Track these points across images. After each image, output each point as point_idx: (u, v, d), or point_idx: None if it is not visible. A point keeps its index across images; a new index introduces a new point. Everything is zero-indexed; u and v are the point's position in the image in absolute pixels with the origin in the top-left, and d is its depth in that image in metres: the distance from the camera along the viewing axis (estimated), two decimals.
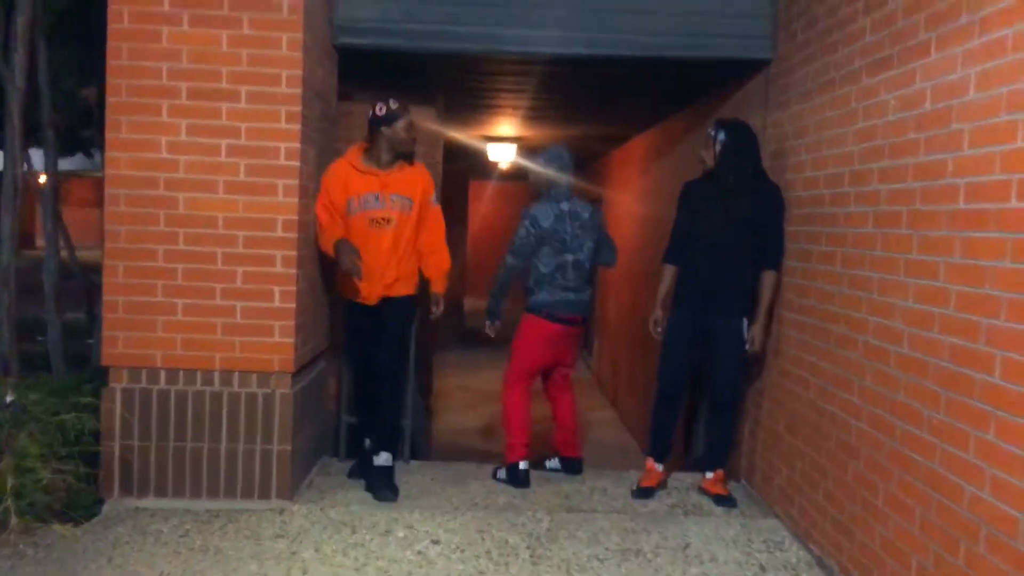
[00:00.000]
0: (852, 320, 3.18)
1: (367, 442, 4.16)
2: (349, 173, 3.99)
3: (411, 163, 4.10)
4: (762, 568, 3.36)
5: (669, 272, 4.21)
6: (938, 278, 2.59)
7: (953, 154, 2.54)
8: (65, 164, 10.94)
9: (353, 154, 4.06)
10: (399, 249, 4.04)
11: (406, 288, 4.11)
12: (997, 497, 2.25)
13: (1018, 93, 2.24)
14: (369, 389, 4.13)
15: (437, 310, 4.30)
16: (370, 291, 4.03)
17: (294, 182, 3.71)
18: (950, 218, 2.54)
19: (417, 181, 4.10)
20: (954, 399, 2.47)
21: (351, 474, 4.22)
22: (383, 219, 4.00)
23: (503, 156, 9.47)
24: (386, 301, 4.06)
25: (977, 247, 2.39)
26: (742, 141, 3.97)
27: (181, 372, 3.72)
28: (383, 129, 3.94)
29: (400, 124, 3.96)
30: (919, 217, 2.73)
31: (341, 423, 4.64)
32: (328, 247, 3.90)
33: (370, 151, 4.03)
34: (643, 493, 4.10)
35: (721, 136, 3.93)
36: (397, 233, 4.02)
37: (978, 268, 2.38)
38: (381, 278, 4.02)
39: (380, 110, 3.95)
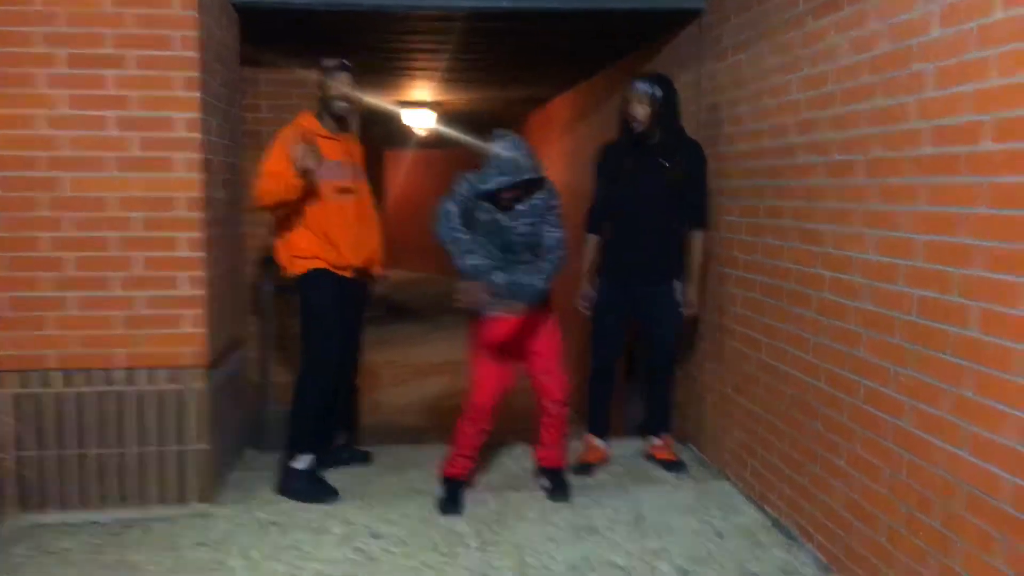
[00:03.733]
0: (805, 276, 3.05)
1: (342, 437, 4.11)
2: (307, 138, 3.54)
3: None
4: (719, 535, 3.24)
5: (592, 242, 3.98)
6: (901, 228, 2.46)
7: (915, 96, 2.39)
8: None
9: (307, 118, 3.65)
10: (366, 222, 3.79)
11: (375, 268, 3.92)
12: (977, 456, 2.14)
13: (989, 27, 2.10)
14: (332, 376, 3.74)
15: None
16: (350, 259, 3.67)
17: (196, 156, 3.34)
18: (913, 164, 2.40)
19: (358, 150, 3.86)
20: (924, 354, 2.35)
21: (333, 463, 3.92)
22: (348, 189, 3.69)
23: (420, 122, 9.10)
24: (359, 278, 3.80)
25: (946, 194, 2.26)
26: (676, 97, 3.78)
27: (80, 373, 3.33)
28: (326, 83, 3.61)
29: (332, 80, 3.60)
30: (878, 165, 2.58)
31: (264, 413, 4.32)
32: (280, 184, 3.40)
33: (320, 114, 3.67)
34: (583, 469, 3.93)
35: (659, 93, 3.68)
36: (360, 204, 3.75)
37: (948, 216, 2.25)
38: (356, 250, 3.71)
39: (323, 63, 3.63)
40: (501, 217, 3.33)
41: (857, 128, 2.69)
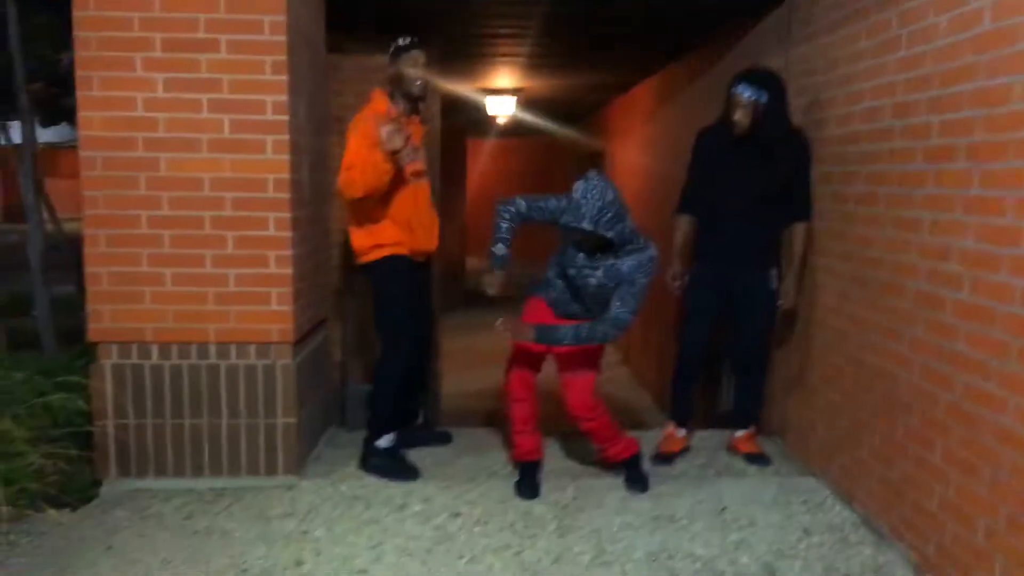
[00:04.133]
0: (900, 265, 2.93)
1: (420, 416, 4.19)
2: (381, 123, 3.51)
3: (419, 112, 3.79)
4: (806, 531, 3.16)
5: (684, 222, 3.89)
6: (1005, 215, 2.33)
7: (1020, 77, 2.26)
8: (52, 135, 10.63)
9: (381, 101, 3.62)
10: (432, 206, 3.83)
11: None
12: None
13: None
14: (410, 359, 3.77)
15: None
16: (425, 244, 3.75)
17: (284, 137, 3.42)
18: (1018, 148, 2.27)
19: (421, 132, 3.82)
20: None
21: (408, 444, 3.92)
22: (421, 172, 3.72)
23: (502, 109, 9.12)
24: (427, 262, 3.86)
25: None
26: (784, 95, 3.59)
27: (174, 346, 3.47)
28: (397, 64, 3.59)
29: (407, 59, 3.57)
30: (979, 149, 2.46)
31: (348, 392, 4.41)
32: (370, 172, 3.39)
33: (393, 96, 3.65)
34: (664, 459, 3.87)
35: (764, 98, 3.50)
36: (428, 188, 3.80)
37: None
38: (430, 234, 3.78)
39: (398, 42, 3.60)
40: (582, 258, 3.28)
41: (957, 111, 2.56)
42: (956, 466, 2.58)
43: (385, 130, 3.40)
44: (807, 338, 3.78)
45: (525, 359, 3.49)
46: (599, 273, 3.26)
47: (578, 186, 3.12)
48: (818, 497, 3.47)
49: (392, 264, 3.64)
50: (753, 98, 3.51)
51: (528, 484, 3.49)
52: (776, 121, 3.57)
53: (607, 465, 3.66)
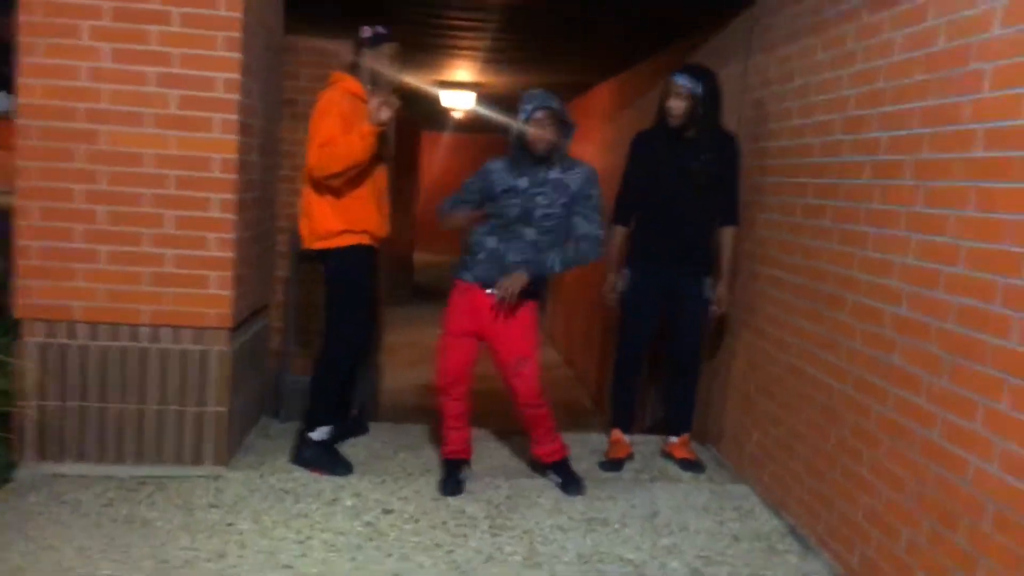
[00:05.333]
0: (843, 278, 2.96)
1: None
2: (355, 103, 3.44)
3: None
4: (735, 538, 3.18)
5: (619, 233, 3.91)
6: (946, 233, 2.37)
7: (970, 97, 2.30)
8: None
9: (350, 82, 3.49)
10: (387, 191, 3.75)
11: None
12: (1008, 472, 2.05)
13: None
14: (361, 351, 3.75)
15: None
16: (385, 229, 3.65)
17: (233, 117, 3.32)
18: (964, 167, 2.31)
19: None
20: (961, 365, 2.26)
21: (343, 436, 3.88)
22: (384, 155, 3.62)
23: (460, 104, 9.04)
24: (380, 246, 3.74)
25: (996, 199, 2.17)
26: (717, 93, 3.68)
27: (104, 326, 3.34)
28: (367, 54, 3.51)
29: (386, 49, 3.52)
30: (926, 167, 2.49)
31: (285, 382, 4.31)
32: (353, 144, 3.31)
33: (361, 81, 3.53)
34: (613, 466, 3.86)
35: (699, 89, 3.58)
36: (386, 172, 3.68)
37: (996, 222, 2.16)
38: (386, 220, 3.67)
39: (366, 32, 3.52)
40: (521, 182, 3.29)
41: (907, 128, 2.59)
42: (883, 478, 2.61)
43: (375, 101, 3.33)
44: (748, 347, 3.81)
45: (458, 348, 3.43)
46: (548, 189, 3.28)
47: (523, 95, 3.30)
48: (748, 504, 3.50)
49: (359, 254, 3.54)
50: (688, 86, 3.59)
51: (452, 482, 3.44)
52: (710, 115, 3.63)
53: (538, 465, 3.64)
